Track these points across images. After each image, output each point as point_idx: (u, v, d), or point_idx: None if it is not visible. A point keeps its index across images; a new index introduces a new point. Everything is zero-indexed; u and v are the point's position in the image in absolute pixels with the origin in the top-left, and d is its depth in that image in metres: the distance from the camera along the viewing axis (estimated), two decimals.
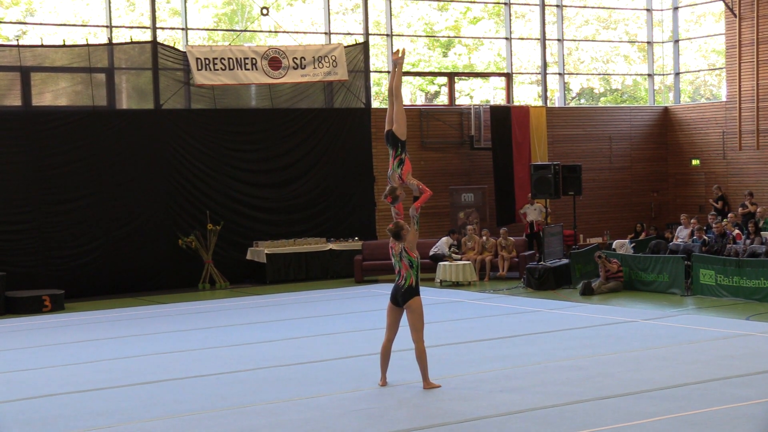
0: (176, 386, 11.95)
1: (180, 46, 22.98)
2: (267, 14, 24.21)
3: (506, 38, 27.35)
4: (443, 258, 22.11)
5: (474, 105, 26.57)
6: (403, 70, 11.82)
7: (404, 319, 11.19)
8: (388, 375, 11.38)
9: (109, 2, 22.40)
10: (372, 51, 25.52)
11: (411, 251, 11.02)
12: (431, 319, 16.10)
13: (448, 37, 30.38)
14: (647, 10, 29.73)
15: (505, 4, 27.37)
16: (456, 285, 21.48)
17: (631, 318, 16.25)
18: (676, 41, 29.35)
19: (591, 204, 27.24)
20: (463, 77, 29.49)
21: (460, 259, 22.17)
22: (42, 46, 21.68)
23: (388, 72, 25.83)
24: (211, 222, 22.55)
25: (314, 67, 23.34)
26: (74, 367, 13.43)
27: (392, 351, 11.46)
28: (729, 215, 22.86)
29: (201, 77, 22.33)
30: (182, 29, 23.63)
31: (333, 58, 23.49)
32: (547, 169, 23.47)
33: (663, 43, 29.65)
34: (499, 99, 28.54)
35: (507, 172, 25.79)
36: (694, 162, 28.23)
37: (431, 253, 22.34)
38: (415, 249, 11.09)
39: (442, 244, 22.63)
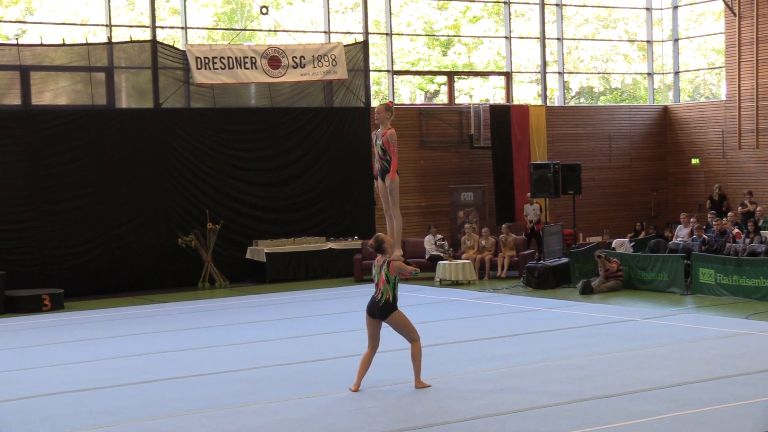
0: (176, 385, 11.95)
1: (179, 45, 22.98)
2: (266, 13, 24.19)
3: (506, 37, 27.34)
4: (441, 257, 22.12)
5: (473, 104, 26.58)
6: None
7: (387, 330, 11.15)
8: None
9: (109, 1, 22.38)
10: (372, 50, 25.52)
11: (392, 270, 10.91)
12: (431, 318, 16.17)
13: (448, 36, 30.38)
14: (647, 9, 29.73)
15: (505, 3, 27.36)
16: (455, 284, 21.48)
17: (631, 317, 16.25)
18: (676, 40, 29.35)
19: (590, 203, 27.23)
20: (463, 76, 29.48)
21: (444, 245, 22.27)
22: (41, 45, 21.67)
23: (388, 71, 25.81)
24: (211, 221, 22.54)
25: (314, 66, 23.33)
26: (74, 366, 13.43)
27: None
28: (729, 214, 22.85)
29: (200, 76, 22.32)
30: (182, 28, 23.62)
31: (332, 57, 23.48)
32: (546, 168, 23.47)
33: (663, 42, 29.64)
34: (498, 98, 28.54)
35: (506, 171, 25.80)
36: (694, 161, 28.24)
37: (427, 256, 22.42)
38: (400, 270, 10.93)
39: (428, 244, 22.70)
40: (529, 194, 24.41)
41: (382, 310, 10.92)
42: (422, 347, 11.15)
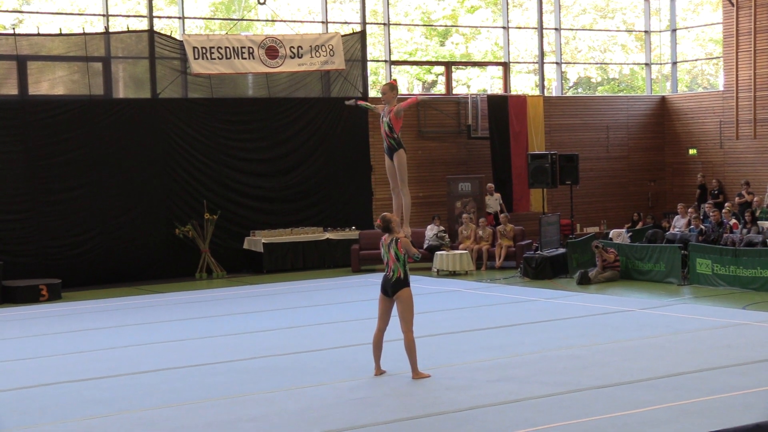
0: (173, 375, 11.95)
1: (177, 35, 22.94)
2: (264, 3, 24.15)
3: (503, 27, 27.30)
4: (440, 248, 22.12)
5: (471, 94, 26.56)
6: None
7: (396, 310, 11.17)
8: (384, 365, 11.38)
9: None
10: (369, 40, 25.49)
11: (400, 248, 10.95)
12: (428, 309, 16.16)
13: (446, 26, 30.34)
14: None
15: None
16: (453, 274, 21.49)
17: (628, 307, 16.26)
18: (674, 30, 29.32)
19: (588, 193, 27.24)
20: (461, 66, 29.45)
21: (446, 237, 22.30)
22: (38, 35, 21.63)
23: (385, 61, 25.77)
24: (208, 211, 22.54)
25: (311, 56, 23.30)
26: (71, 356, 13.44)
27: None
28: (726, 204, 22.87)
29: (198, 66, 22.29)
30: (179, 18, 23.58)
31: (330, 47, 23.45)
32: (544, 159, 23.50)
33: (660, 32, 29.61)
34: (496, 88, 28.53)
35: (504, 161, 25.80)
36: (691, 151, 28.24)
37: (425, 245, 22.40)
38: (406, 249, 10.98)
39: (429, 232, 22.71)
40: (490, 185, 24.54)
41: (394, 286, 10.96)
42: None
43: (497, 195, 24.59)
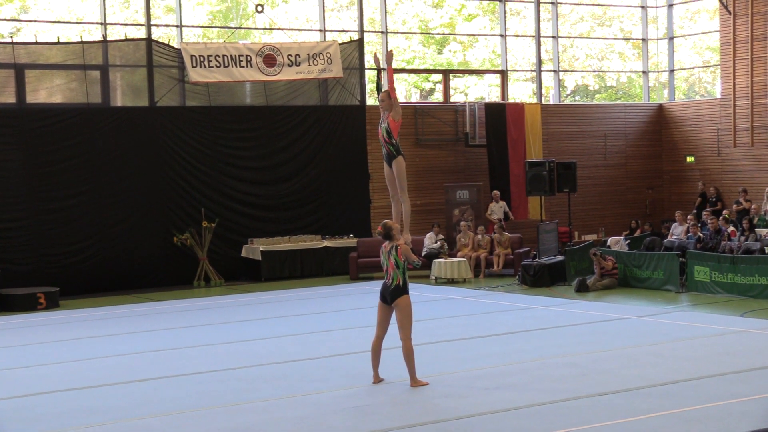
0: (171, 383, 11.94)
1: (174, 44, 22.95)
2: (262, 11, 24.17)
3: (501, 35, 27.34)
4: (438, 256, 22.12)
5: (469, 102, 26.58)
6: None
7: (394, 317, 11.17)
8: (382, 372, 11.38)
9: None
10: (367, 48, 25.51)
11: (400, 255, 10.96)
12: (426, 316, 16.15)
13: (443, 34, 30.37)
14: (642, 7, 29.75)
15: (500, 1, 27.36)
16: (451, 282, 21.48)
17: (626, 315, 16.26)
18: (671, 38, 29.36)
19: (586, 201, 27.26)
20: (458, 74, 29.48)
21: (443, 246, 22.27)
22: (36, 43, 21.63)
23: (383, 69, 25.74)
24: (206, 219, 22.53)
25: (309, 64, 23.32)
26: (69, 365, 13.42)
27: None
28: (724, 212, 22.88)
29: (196, 74, 22.30)
30: (177, 26, 23.59)
31: (328, 55, 23.48)
32: (542, 166, 23.50)
33: (658, 40, 29.66)
34: (494, 96, 28.54)
35: (502, 169, 25.80)
36: (689, 159, 28.27)
37: (424, 253, 22.38)
38: (406, 256, 10.99)
39: (428, 240, 22.71)
40: (496, 192, 24.55)
41: (393, 294, 10.96)
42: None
43: (502, 203, 24.59)
